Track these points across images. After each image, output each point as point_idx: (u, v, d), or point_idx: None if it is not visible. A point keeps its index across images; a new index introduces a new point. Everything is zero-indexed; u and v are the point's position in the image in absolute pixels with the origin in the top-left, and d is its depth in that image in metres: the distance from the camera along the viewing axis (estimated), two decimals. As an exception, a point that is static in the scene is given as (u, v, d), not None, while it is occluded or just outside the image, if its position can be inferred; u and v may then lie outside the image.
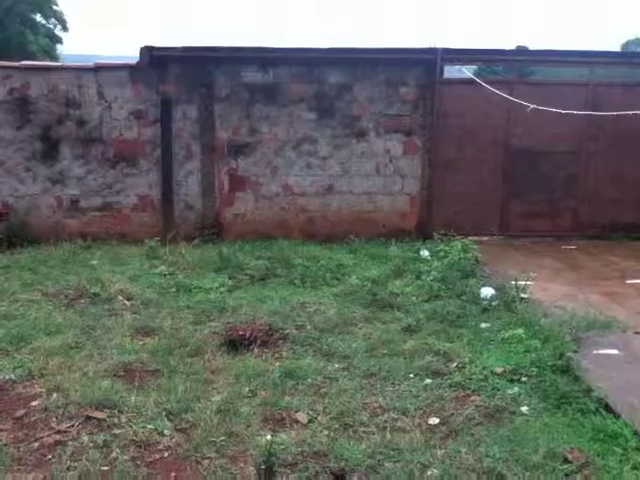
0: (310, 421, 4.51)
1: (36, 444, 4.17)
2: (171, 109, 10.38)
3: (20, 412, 4.61)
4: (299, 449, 4.08)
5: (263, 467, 3.75)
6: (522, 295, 7.18)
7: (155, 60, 10.17)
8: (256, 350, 5.79)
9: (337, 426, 4.44)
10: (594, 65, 11.18)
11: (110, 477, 3.81)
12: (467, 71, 11.50)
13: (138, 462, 3.98)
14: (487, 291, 7.33)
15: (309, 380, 5.18)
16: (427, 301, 7.26)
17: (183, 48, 10.24)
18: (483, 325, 6.47)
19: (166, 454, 4.09)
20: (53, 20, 37.89)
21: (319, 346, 5.96)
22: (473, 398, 4.90)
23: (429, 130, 10.71)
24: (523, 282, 7.30)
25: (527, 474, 3.84)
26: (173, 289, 7.74)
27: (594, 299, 7.47)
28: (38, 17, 36.72)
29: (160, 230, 10.26)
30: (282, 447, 4.05)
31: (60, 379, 5.07)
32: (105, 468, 3.90)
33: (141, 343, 6.00)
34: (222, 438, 4.22)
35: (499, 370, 5.29)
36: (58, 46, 39.01)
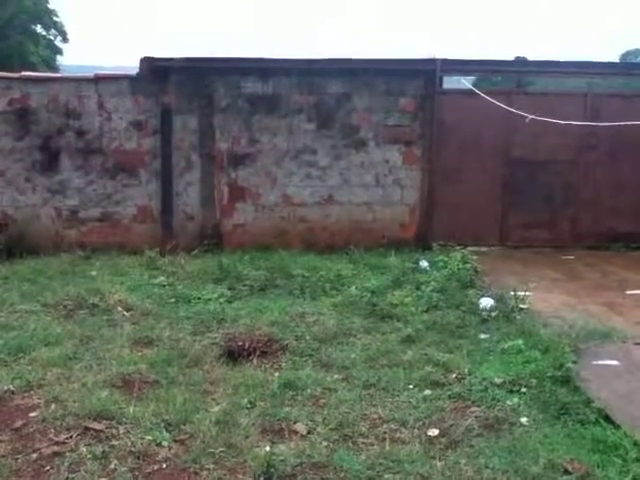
0: (309, 432, 4.50)
1: (34, 455, 4.16)
2: (171, 120, 10.42)
3: (18, 423, 4.59)
4: (298, 460, 4.07)
5: (262, 478, 3.74)
6: (521, 305, 7.18)
7: (155, 71, 10.21)
8: (255, 361, 5.78)
9: (336, 437, 4.43)
10: (593, 76, 11.22)
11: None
12: (466, 82, 11.53)
13: (136, 473, 3.96)
14: (486, 302, 7.32)
15: (308, 391, 5.17)
16: (426, 312, 7.25)
17: (183, 59, 10.27)
18: (482, 336, 6.46)
19: (164, 465, 4.07)
20: (53, 31, 38.06)
21: (318, 357, 5.95)
22: (473, 409, 4.89)
23: (428, 140, 10.73)
24: (522, 292, 7.30)
25: (527, 485, 3.83)
26: (172, 300, 7.74)
27: (593, 309, 7.46)
28: (39, 28, 36.90)
29: (159, 240, 10.27)
30: (281, 458, 4.04)
31: (59, 390, 5.06)
32: (103, 479, 3.88)
33: (140, 354, 5.99)
34: (221, 449, 4.21)
35: (499, 381, 5.28)
36: (58, 57, 39.18)
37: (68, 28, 38.56)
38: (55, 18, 37.61)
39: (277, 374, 5.52)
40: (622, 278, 9.05)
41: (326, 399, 5.04)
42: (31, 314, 7.08)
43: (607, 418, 4.57)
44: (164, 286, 8.28)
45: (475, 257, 8.84)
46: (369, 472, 3.97)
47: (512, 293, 7.31)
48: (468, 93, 10.85)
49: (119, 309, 7.28)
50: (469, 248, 9.63)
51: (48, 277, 8.66)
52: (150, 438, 4.33)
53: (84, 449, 4.20)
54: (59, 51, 39.05)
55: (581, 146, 11.08)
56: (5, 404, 4.91)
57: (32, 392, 5.09)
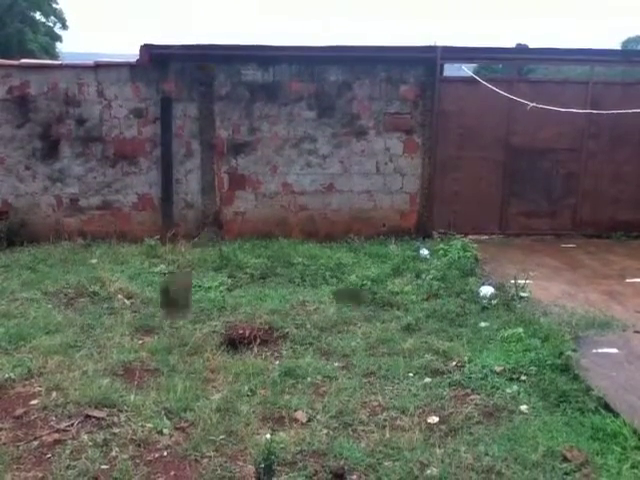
0: (309, 420, 4.52)
1: (35, 443, 4.18)
2: (171, 107, 10.37)
3: (19, 411, 4.61)
4: (298, 448, 4.09)
5: (262, 466, 3.75)
6: (521, 294, 7.19)
7: (155, 58, 10.16)
8: (256, 349, 5.80)
9: (336, 425, 4.44)
10: (594, 63, 11.16)
11: (109, 476, 3.81)
12: (467, 69, 11.48)
13: (137, 461, 3.99)
14: (486, 290, 7.33)
15: (308, 379, 5.19)
16: (426, 300, 7.26)
17: (183, 46, 10.22)
18: (482, 324, 6.47)
19: (165, 453, 4.09)
20: (53, 18, 37.85)
21: (319, 345, 5.96)
22: (472, 397, 4.91)
23: (429, 128, 10.70)
24: (522, 281, 7.31)
25: (526, 473, 3.85)
26: (173, 288, 7.74)
27: (593, 298, 7.47)
28: (38, 15, 36.67)
29: (160, 229, 10.26)
30: (281, 446, 4.06)
31: (59, 378, 5.08)
32: (104, 467, 3.90)
33: (140, 342, 6.01)
34: (221, 437, 4.23)
35: (498, 369, 5.30)
36: (58, 44, 38.98)
37: (67, 15, 38.37)
38: (54, 5, 37.40)
39: (277, 362, 5.54)
40: (622, 267, 9.04)
41: (326, 387, 5.06)
42: (32, 302, 7.09)
43: (606, 406, 4.58)
44: (164, 274, 8.29)
45: (475, 245, 8.85)
46: (369, 459, 3.99)
47: (512, 281, 7.31)
48: (469, 81, 10.81)
49: (119, 297, 7.29)
50: (469, 236, 9.64)
51: (48, 265, 8.67)
52: (151, 426, 4.35)
53: (85, 437, 4.22)
54: (58, 38, 38.84)
55: (582, 134, 11.04)
56: (6, 392, 4.93)
57: (33, 380, 5.12)
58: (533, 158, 11.00)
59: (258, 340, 5.90)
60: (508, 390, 4.97)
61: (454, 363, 5.49)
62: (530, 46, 12.61)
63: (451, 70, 11.40)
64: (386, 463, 3.96)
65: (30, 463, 3.96)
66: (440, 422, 4.51)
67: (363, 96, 10.60)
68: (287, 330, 6.23)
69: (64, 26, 38.65)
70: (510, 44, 19.48)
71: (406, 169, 10.80)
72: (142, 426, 4.34)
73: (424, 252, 9.26)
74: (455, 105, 10.76)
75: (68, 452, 4.04)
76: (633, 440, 4.12)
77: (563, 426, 4.39)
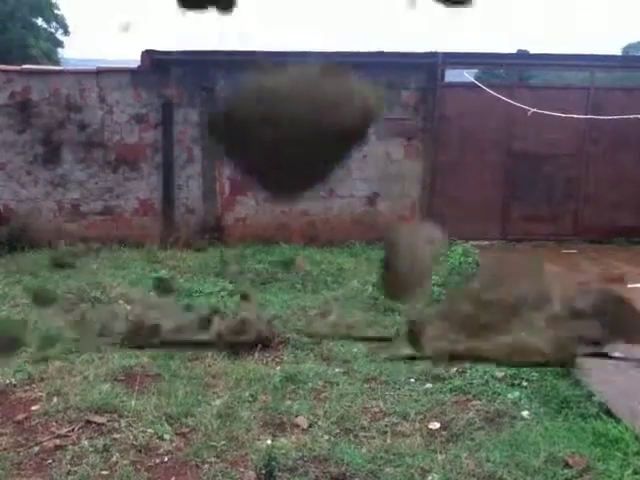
0: (310, 425, 4.51)
1: (36, 448, 4.17)
2: (172, 113, 10.39)
3: (20, 416, 4.61)
4: (299, 454, 4.08)
5: (263, 472, 3.75)
6: (523, 299, 7.16)
7: (156, 64, 10.18)
8: (257, 354, 5.79)
9: (337, 430, 4.43)
10: (595, 69, 11.18)
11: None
12: (468, 75, 11.50)
13: (138, 467, 3.98)
14: (488, 295, 7.30)
15: (309, 384, 5.18)
16: (428, 305, 7.23)
17: (184, 52, 10.25)
18: (484, 329, 6.44)
19: (166, 458, 4.08)
20: (54, 24, 37.93)
21: (319, 350, 5.95)
22: (474, 402, 4.89)
23: (430, 134, 10.71)
24: (524, 286, 7.28)
25: (527, 479, 3.83)
26: (174, 293, 7.73)
27: (595, 303, 7.44)
28: (39, 21, 36.75)
29: (161, 234, 10.26)
30: (282, 452, 4.05)
31: (60, 383, 5.08)
32: (105, 473, 3.89)
33: (141, 347, 5.99)
34: (222, 442, 4.22)
35: (500, 374, 5.28)
36: (59, 50, 39.06)
37: (69, 21, 38.47)
38: (56, 11, 37.49)
39: (278, 368, 5.53)
40: (624, 272, 9.03)
41: (327, 392, 5.05)
42: (33, 307, 7.08)
43: (608, 412, 4.57)
44: (165, 279, 8.28)
45: (477, 251, 8.83)
46: (370, 465, 3.98)
47: (513, 287, 7.29)
48: (470, 86, 10.83)
49: (120, 302, 7.28)
50: (471, 242, 9.63)
51: (50, 270, 8.66)
52: (152, 431, 4.34)
53: (86, 442, 4.21)
54: (60, 44, 38.93)
55: (583, 139, 11.05)
56: (7, 397, 4.92)
57: (34, 385, 5.11)
58: (534, 163, 11.01)
59: (259, 345, 5.89)
60: (509, 396, 4.96)
61: (455, 369, 5.48)
62: (531, 52, 12.66)
63: (452, 75, 11.42)
64: (387, 469, 3.95)
65: (31, 469, 3.96)
66: (441, 428, 4.50)
67: (364, 101, 10.59)
68: (288, 335, 6.23)
69: (66, 32, 38.74)
70: (511, 49, 19.47)
71: (407, 174, 10.80)
72: (143, 432, 4.34)
73: (425, 257, 9.23)
74: (456, 110, 10.77)
75: (69, 458, 4.03)
76: (635, 446, 4.10)
77: (565, 432, 4.38)
